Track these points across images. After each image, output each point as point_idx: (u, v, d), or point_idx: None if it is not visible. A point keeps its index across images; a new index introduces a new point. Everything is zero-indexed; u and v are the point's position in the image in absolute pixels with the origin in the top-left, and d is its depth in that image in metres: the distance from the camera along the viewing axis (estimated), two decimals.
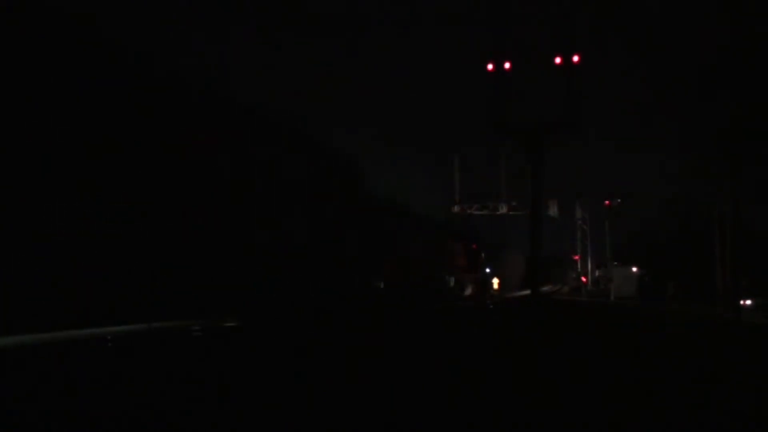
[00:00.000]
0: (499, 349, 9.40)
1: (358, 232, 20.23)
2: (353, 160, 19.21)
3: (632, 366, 7.67)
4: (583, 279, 53.80)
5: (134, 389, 6.27)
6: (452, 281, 41.01)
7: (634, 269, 51.18)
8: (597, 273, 53.98)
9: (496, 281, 46.14)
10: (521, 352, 8.94)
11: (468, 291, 39.07)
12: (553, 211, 43.68)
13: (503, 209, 45.58)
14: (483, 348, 9.67)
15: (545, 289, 53.12)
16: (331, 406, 5.58)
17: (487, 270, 47.67)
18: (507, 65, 16.71)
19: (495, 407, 5.40)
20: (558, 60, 16.33)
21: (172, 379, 6.88)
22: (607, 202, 47.51)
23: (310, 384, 6.54)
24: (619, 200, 47.17)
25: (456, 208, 44.10)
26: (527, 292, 36.43)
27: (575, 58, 16.26)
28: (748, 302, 29.80)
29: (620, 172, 79.50)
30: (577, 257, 58.66)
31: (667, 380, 6.68)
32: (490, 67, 16.72)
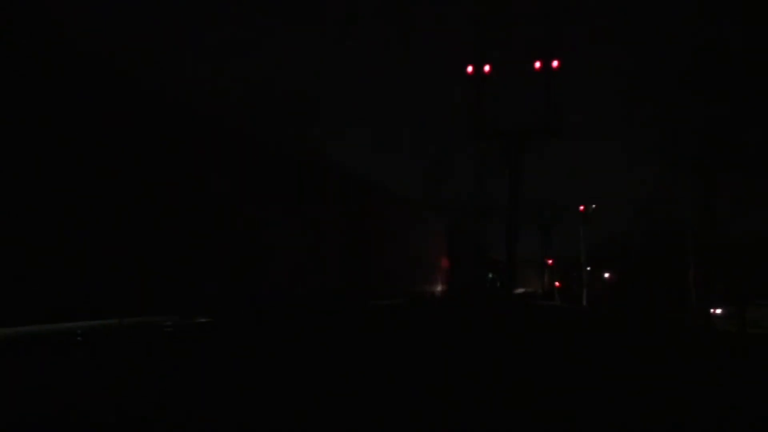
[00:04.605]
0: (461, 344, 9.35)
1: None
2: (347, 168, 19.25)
3: (596, 373, 7.60)
4: (557, 283, 54.19)
5: (103, 385, 6.07)
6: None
7: (606, 275, 51.65)
8: (570, 278, 54.40)
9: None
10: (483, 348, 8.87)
11: (438, 288, 40.36)
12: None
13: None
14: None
15: (519, 290, 53.40)
16: (306, 403, 5.41)
17: (490, 275, 51.60)
18: (486, 68, 16.63)
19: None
20: (537, 65, 16.27)
21: (143, 375, 6.69)
22: (581, 207, 47.84)
23: (284, 382, 6.39)
24: (593, 206, 47.53)
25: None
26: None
27: (555, 63, 16.21)
28: (719, 311, 30.13)
29: (595, 176, 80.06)
30: (550, 261, 59.11)
31: (632, 387, 6.65)
32: (469, 69, 16.62)
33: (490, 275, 48.83)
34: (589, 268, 49.08)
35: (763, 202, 28.20)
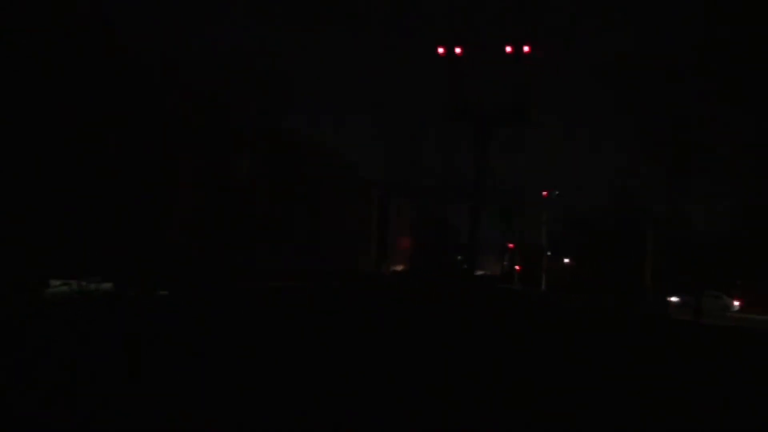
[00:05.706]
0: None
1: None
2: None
3: (550, 363, 7.61)
4: (517, 268, 54.66)
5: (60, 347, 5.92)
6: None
7: (566, 260, 52.27)
8: (530, 262, 54.83)
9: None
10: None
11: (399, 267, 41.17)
12: None
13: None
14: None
15: (479, 273, 53.89)
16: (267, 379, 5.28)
17: (459, 257, 52.79)
18: (458, 50, 16.43)
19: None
20: (509, 49, 16.13)
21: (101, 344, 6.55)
22: (544, 192, 48.27)
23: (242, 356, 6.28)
24: (557, 192, 48.03)
25: None
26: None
27: (526, 49, 16.10)
28: (674, 299, 30.84)
29: (561, 163, 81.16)
30: (511, 246, 59.59)
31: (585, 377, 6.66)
32: (440, 50, 16.40)
33: (459, 257, 51.21)
34: (549, 254, 49.67)
35: (722, 202, 28.81)
